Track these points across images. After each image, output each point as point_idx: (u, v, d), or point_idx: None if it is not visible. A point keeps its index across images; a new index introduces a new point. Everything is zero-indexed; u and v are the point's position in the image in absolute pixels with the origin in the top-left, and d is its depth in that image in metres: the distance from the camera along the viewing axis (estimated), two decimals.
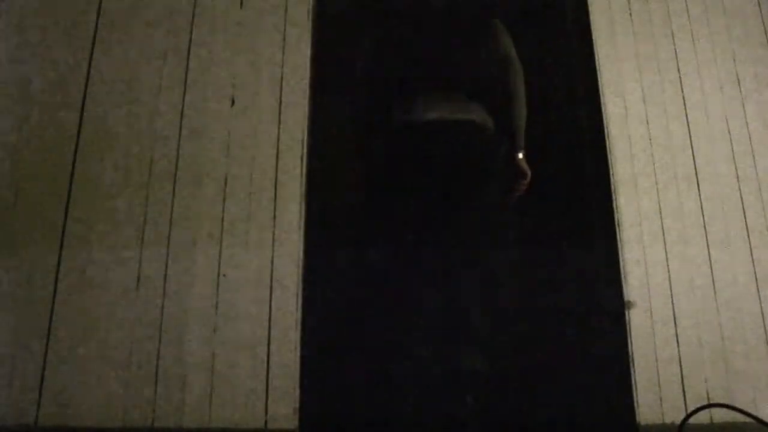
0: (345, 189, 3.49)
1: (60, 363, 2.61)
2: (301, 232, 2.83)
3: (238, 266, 2.77)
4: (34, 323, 2.64)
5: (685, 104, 3.14)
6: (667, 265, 2.89)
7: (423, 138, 2.86)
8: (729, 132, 3.11)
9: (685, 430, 2.52)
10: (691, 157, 3.06)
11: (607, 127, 3.08)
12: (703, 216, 2.97)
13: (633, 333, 2.78)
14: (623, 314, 2.81)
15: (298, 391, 2.63)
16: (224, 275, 2.75)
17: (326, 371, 2.76)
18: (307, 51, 3.09)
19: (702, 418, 2.64)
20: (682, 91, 3.16)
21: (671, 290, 2.85)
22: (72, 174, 2.85)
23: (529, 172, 2.98)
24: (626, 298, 2.83)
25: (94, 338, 2.64)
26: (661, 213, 2.96)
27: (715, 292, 2.86)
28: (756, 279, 2.89)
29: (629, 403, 2.69)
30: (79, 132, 2.91)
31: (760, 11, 3.33)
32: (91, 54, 3.02)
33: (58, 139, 2.89)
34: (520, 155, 2.96)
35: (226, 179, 2.89)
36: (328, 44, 3.25)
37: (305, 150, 2.95)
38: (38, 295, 2.68)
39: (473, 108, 2.91)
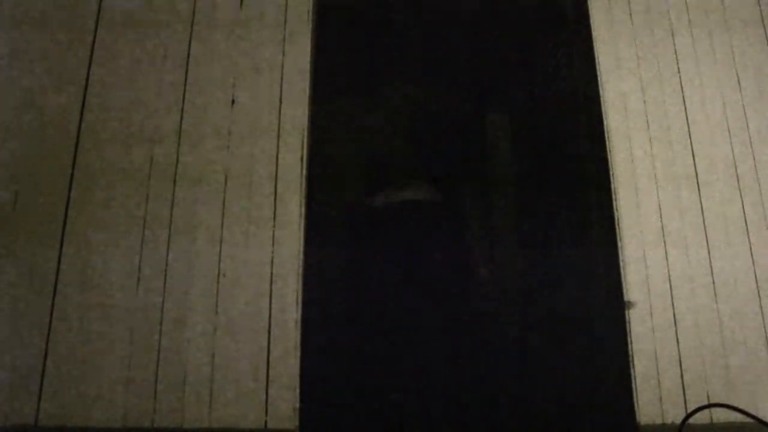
0: (345, 189, 3.49)
1: (60, 363, 2.60)
2: (301, 232, 2.82)
3: (238, 266, 2.77)
4: (34, 323, 2.64)
5: (685, 104, 3.14)
6: (667, 265, 2.89)
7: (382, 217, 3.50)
8: (729, 132, 3.11)
9: (685, 430, 2.51)
10: (691, 157, 3.06)
11: (607, 128, 3.08)
12: (703, 216, 2.97)
13: (633, 333, 2.78)
14: (623, 314, 2.81)
15: (298, 391, 2.62)
16: (224, 275, 2.75)
17: (326, 371, 2.76)
18: (307, 51, 3.09)
19: (702, 418, 2.64)
20: (682, 91, 3.16)
21: (671, 290, 2.85)
22: (72, 174, 2.85)
23: None
24: (626, 298, 2.83)
25: (94, 338, 2.64)
26: (661, 213, 2.96)
27: (715, 292, 2.86)
28: (756, 279, 2.89)
29: (629, 403, 2.69)
30: (79, 132, 2.91)
31: (760, 11, 3.33)
32: (91, 54, 3.02)
33: (58, 139, 2.89)
34: None
35: (226, 179, 2.89)
36: (328, 44, 3.25)
37: (305, 150, 2.95)
38: (38, 295, 2.68)
39: (425, 190, 3.52)
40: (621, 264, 2.88)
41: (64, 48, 3.02)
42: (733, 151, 3.08)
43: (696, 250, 2.92)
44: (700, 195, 3.00)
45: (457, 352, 3.02)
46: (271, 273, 2.77)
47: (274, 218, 2.84)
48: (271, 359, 2.65)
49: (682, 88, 3.17)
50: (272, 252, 2.79)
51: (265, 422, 2.57)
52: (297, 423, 2.59)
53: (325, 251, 2.95)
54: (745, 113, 3.14)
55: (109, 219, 2.80)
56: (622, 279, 2.86)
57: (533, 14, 3.56)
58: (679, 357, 2.75)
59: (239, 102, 3.00)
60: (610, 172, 3.02)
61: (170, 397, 2.59)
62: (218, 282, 2.74)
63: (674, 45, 3.24)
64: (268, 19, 3.14)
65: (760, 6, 3.34)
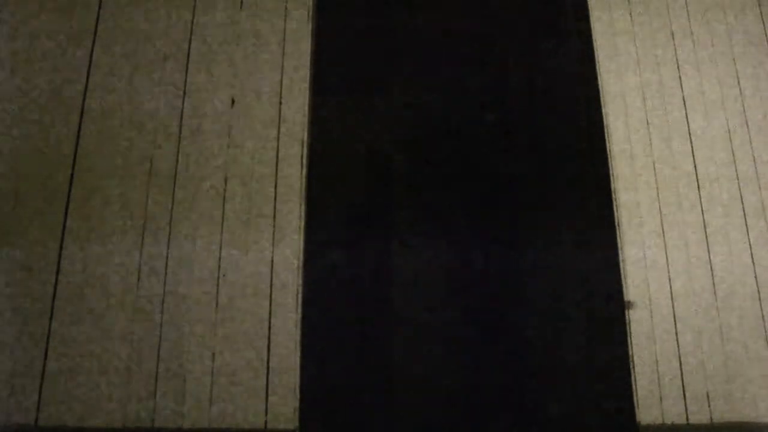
0: (345, 189, 3.48)
1: (60, 363, 2.60)
2: (301, 232, 2.83)
3: (238, 266, 2.77)
4: (34, 323, 2.64)
5: (685, 104, 3.14)
6: (667, 265, 2.89)
7: None
8: (729, 132, 3.11)
9: (685, 430, 2.52)
10: (691, 157, 3.06)
11: (607, 127, 3.08)
12: (703, 216, 2.97)
13: (633, 333, 2.78)
14: (623, 314, 2.81)
15: (298, 391, 2.62)
16: (224, 275, 2.75)
17: (326, 371, 2.76)
18: (307, 51, 3.09)
19: (702, 417, 2.65)
20: (682, 91, 3.16)
21: (671, 290, 2.85)
22: (72, 173, 2.85)
23: None
24: (626, 298, 2.83)
25: (94, 338, 2.64)
26: (661, 213, 2.96)
27: (715, 292, 2.86)
28: (756, 279, 2.88)
29: (629, 403, 2.69)
30: (79, 131, 2.91)
31: (760, 11, 3.33)
32: (91, 54, 3.02)
33: (58, 138, 2.89)
34: None
35: (226, 179, 2.89)
36: (328, 44, 3.25)
37: (305, 150, 2.95)
38: (38, 295, 2.68)
39: None
40: (621, 264, 2.88)
41: (64, 47, 3.02)
42: (733, 151, 3.08)
43: (696, 250, 2.92)
44: (700, 195, 3.00)
45: (456, 352, 3.02)
46: (271, 273, 2.77)
47: (274, 218, 2.84)
48: (271, 359, 2.65)
49: (681, 87, 3.17)
50: (272, 252, 2.79)
51: (265, 422, 2.58)
52: (297, 423, 2.59)
53: (325, 251, 2.94)
54: (745, 112, 3.14)
55: (109, 219, 2.80)
56: (622, 279, 2.86)
57: (533, 13, 3.56)
58: (679, 357, 2.75)
59: (239, 102, 3.00)
60: (610, 172, 3.02)
61: (170, 397, 2.59)
62: (218, 282, 2.74)
63: (674, 44, 3.24)
64: (268, 19, 3.14)
65: (759, 5, 3.34)
